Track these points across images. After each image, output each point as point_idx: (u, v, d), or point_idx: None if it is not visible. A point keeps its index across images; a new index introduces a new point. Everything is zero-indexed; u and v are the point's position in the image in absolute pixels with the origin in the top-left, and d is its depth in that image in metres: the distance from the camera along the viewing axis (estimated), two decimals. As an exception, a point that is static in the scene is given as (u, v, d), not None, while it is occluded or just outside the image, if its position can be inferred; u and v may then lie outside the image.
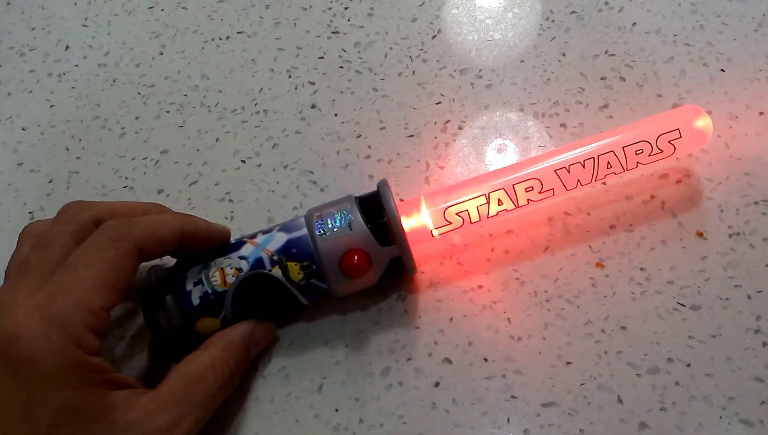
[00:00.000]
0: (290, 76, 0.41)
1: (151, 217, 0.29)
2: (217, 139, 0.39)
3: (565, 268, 0.32)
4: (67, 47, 0.45)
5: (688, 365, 0.29)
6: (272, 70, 0.41)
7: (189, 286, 0.29)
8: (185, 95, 0.41)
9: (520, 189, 0.30)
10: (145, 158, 0.39)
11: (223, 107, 0.40)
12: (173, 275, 0.30)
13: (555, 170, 0.30)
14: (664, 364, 0.30)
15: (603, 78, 0.37)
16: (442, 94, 0.39)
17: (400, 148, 0.37)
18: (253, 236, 0.31)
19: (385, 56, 0.41)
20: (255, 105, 0.40)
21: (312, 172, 0.37)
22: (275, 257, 0.29)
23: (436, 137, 0.37)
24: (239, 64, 0.42)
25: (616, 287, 0.32)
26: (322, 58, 0.41)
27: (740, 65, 0.36)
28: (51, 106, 0.42)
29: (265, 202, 0.36)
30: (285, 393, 0.31)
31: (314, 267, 0.29)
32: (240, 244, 0.30)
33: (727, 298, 0.31)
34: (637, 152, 0.30)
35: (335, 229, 0.29)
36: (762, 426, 0.28)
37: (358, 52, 0.41)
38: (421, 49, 0.41)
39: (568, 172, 0.30)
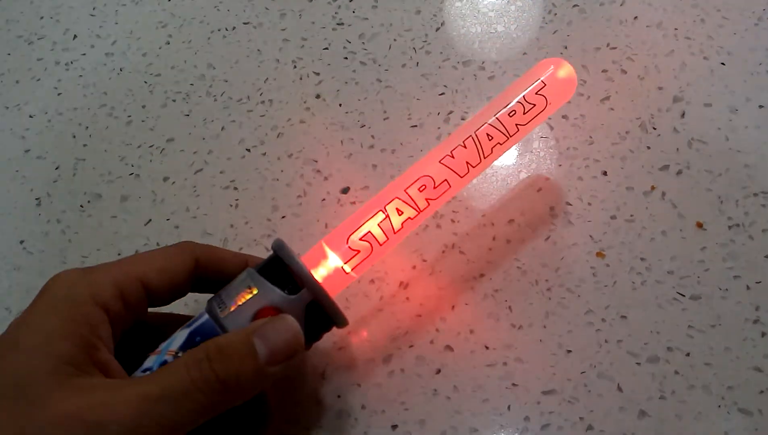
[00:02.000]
0: (295, 67, 0.41)
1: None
2: (222, 128, 0.39)
3: (566, 258, 0.33)
4: (75, 36, 0.45)
5: (688, 354, 0.30)
6: (277, 60, 0.42)
7: None
8: (191, 84, 0.41)
9: (413, 192, 0.29)
10: (151, 146, 0.39)
11: (228, 96, 0.41)
12: None
13: (439, 161, 0.29)
14: (663, 353, 0.30)
15: (604, 70, 0.38)
16: (445, 86, 0.39)
17: (404, 138, 0.37)
18: (155, 347, 0.27)
19: (389, 48, 0.41)
20: (260, 94, 0.40)
21: (316, 161, 0.37)
22: (180, 354, 0.25)
23: (438, 128, 0.37)
24: (245, 54, 0.42)
25: (616, 277, 0.32)
26: (326, 49, 0.42)
27: (740, 59, 0.37)
28: (58, 94, 0.42)
29: (270, 190, 0.37)
30: (288, 379, 0.31)
31: None
32: (143, 359, 0.26)
33: (727, 289, 0.31)
34: (511, 114, 0.30)
35: (236, 299, 0.26)
36: (760, 415, 0.28)
37: (363, 43, 0.41)
38: (425, 41, 0.41)
39: (453, 157, 0.29)
